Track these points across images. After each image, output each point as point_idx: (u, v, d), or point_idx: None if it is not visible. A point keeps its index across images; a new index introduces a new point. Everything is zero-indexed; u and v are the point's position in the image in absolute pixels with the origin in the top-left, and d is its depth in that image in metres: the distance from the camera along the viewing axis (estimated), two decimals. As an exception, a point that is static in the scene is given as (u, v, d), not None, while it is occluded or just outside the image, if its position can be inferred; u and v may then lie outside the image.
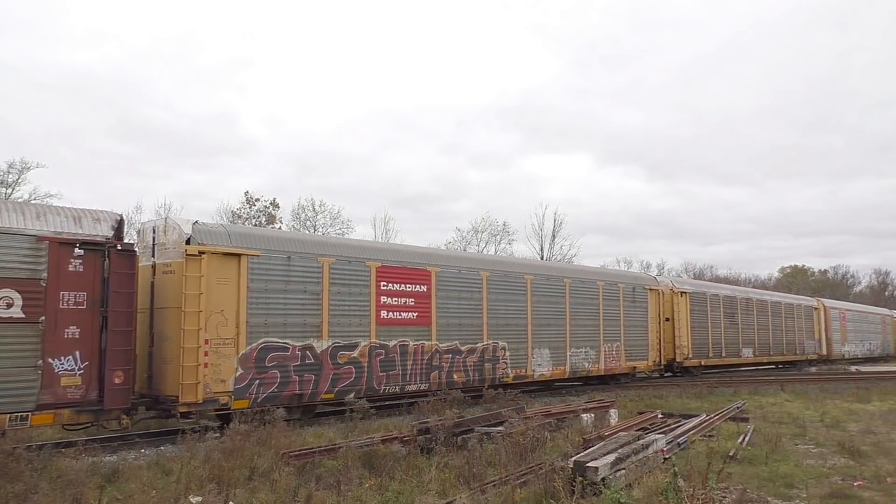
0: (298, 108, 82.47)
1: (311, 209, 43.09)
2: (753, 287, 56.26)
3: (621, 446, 7.91)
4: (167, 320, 11.54)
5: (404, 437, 9.75)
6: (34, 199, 32.39)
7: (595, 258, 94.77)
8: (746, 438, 10.71)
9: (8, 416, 9.19)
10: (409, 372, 15.07)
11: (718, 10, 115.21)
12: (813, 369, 31.67)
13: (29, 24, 61.93)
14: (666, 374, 24.88)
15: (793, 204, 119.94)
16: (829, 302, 41.05)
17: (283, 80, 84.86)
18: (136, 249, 11.31)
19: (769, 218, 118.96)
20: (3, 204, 10.10)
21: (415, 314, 15.40)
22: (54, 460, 8.00)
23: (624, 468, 7.32)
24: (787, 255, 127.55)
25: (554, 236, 48.41)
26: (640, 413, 13.08)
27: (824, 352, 37.15)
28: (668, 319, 24.49)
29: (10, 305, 9.41)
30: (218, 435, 9.31)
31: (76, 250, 10.11)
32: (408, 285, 15.31)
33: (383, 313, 14.68)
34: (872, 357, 44.70)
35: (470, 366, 16.57)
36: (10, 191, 33.70)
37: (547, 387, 20.13)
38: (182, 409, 11.14)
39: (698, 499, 5.96)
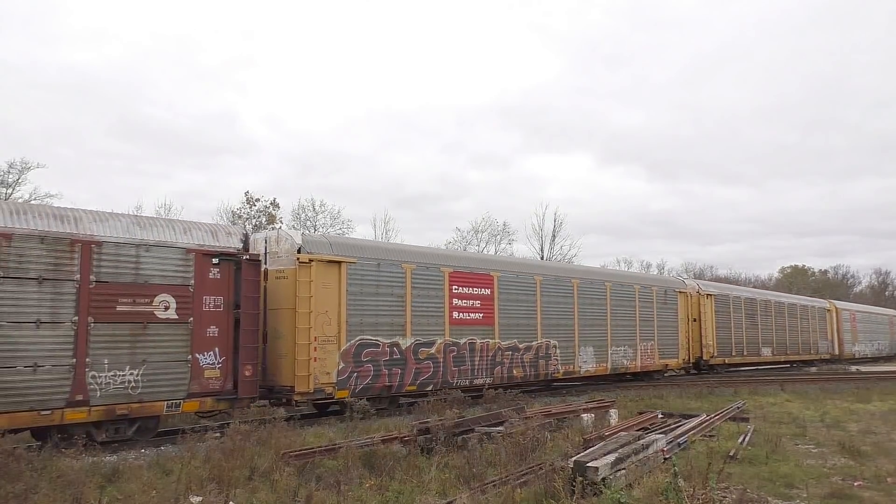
0: (299, 108, 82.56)
1: (312, 209, 43.14)
2: (754, 287, 56.38)
3: (621, 446, 7.90)
4: (280, 320, 13.19)
5: (404, 437, 9.75)
6: (34, 199, 32.38)
7: (595, 258, 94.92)
8: (746, 438, 10.70)
9: (164, 402, 10.96)
10: (476, 367, 16.73)
11: (720, 10, 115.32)
12: (813, 369, 31.84)
13: (29, 23, 62.00)
14: (692, 372, 26.33)
15: (793, 204, 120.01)
16: (840, 304, 42.39)
17: (283, 80, 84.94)
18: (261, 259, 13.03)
19: (770, 218, 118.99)
20: (158, 220, 11.92)
21: (480, 315, 17.10)
22: (54, 460, 8.00)
23: (624, 468, 7.32)
24: (787, 255, 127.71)
25: (554, 236, 48.46)
26: (641, 413, 13.08)
27: (836, 351, 38.70)
28: (695, 320, 25.96)
29: (167, 308, 11.14)
30: (218, 435, 9.32)
31: (215, 260, 11.80)
32: (474, 288, 17.04)
33: (455, 314, 16.38)
34: (881, 356, 45.68)
35: (527, 362, 18.24)
36: (10, 191, 33.70)
37: (591, 382, 21.89)
38: (297, 398, 12.91)
39: (698, 499, 5.96)
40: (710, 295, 27.21)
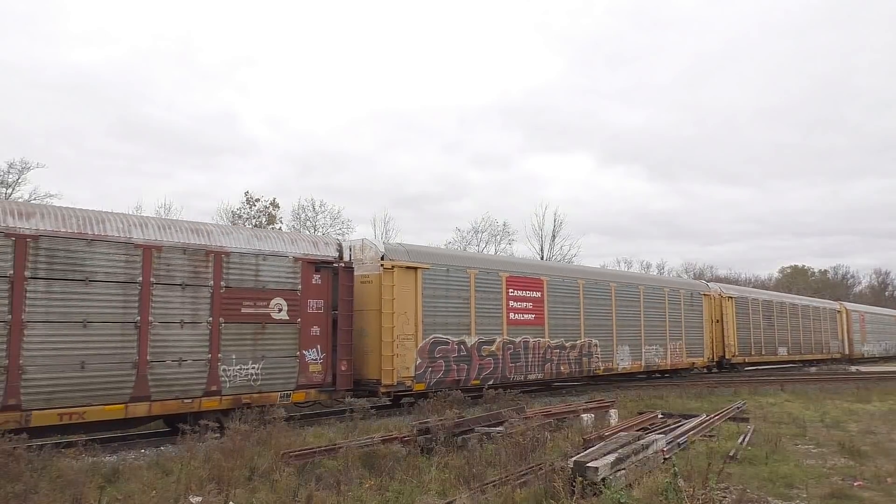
0: (300, 108, 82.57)
1: (312, 209, 43.14)
2: (754, 287, 56.57)
3: (621, 446, 7.89)
4: (366, 320, 14.66)
5: (404, 437, 9.75)
6: (34, 199, 32.37)
7: (595, 258, 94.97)
8: (746, 438, 10.70)
9: (278, 393, 12.50)
10: (529, 363, 18.21)
11: (722, 10, 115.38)
12: (813, 369, 31.95)
13: (30, 23, 61.99)
14: (714, 370, 27.79)
15: (794, 204, 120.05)
16: (850, 305, 44.01)
17: (284, 80, 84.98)
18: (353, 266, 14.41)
19: (771, 218, 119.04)
20: (270, 233, 13.64)
21: (532, 316, 18.58)
22: (54, 460, 7.99)
23: (624, 468, 7.31)
24: (788, 255, 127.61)
25: (554, 236, 48.47)
26: (641, 413, 13.07)
27: (847, 351, 40.28)
28: (717, 321, 27.58)
29: (280, 310, 12.64)
30: (218, 435, 9.32)
31: (317, 268, 13.29)
32: (527, 291, 18.51)
33: (511, 315, 17.86)
34: (889, 356, 46.81)
35: (572, 359, 19.78)
36: (10, 191, 33.70)
37: (628, 378, 23.27)
38: (383, 390, 14.36)
39: (698, 499, 5.96)
40: (731, 298, 28.70)
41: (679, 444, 9.60)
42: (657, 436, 9.15)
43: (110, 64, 66.37)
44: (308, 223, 42.32)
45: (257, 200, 40.47)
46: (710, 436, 11.01)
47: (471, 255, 20.47)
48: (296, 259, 13.02)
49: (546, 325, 18.93)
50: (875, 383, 21.71)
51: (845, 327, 40.66)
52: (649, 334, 23.14)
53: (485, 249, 46.60)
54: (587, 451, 7.88)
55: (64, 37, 68.83)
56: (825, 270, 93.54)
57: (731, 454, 9.29)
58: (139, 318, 10.86)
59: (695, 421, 11.77)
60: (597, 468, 6.84)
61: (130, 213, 14.82)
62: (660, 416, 12.82)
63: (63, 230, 10.38)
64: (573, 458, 7.24)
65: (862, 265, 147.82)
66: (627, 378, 23.13)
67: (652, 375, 24.49)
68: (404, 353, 14.83)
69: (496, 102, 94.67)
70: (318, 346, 13.21)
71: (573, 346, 19.81)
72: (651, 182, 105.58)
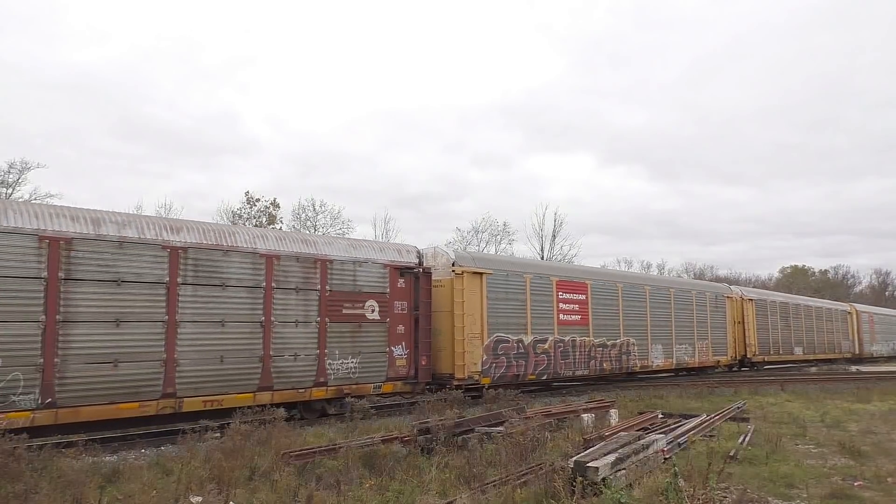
0: (301, 108, 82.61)
1: (312, 209, 43.19)
2: (754, 287, 56.73)
3: (622, 446, 7.89)
4: (439, 320, 16.27)
5: (404, 437, 9.74)
6: (34, 199, 32.37)
7: (596, 258, 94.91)
8: (747, 438, 10.70)
9: (371, 385, 14.10)
10: (577, 361, 19.76)
11: (724, 10, 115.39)
12: (813, 369, 32.04)
13: (30, 23, 61.99)
14: (734, 369, 29.39)
15: (795, 204, 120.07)
16: (860, 306, 45.50)
17: (285, 80, 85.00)
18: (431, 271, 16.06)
19: (771, 218, 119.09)
20: (363, 242, 15.29)
21: (579, 317, 20.13)
22: (54, 460, 8.00)
23: (624, 468, 7.31)
24: (789, 255, 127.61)
25: (554, 236, 48.52)
26: (641, 413, 13.07)
27: (857, 351, 41.82)
28: (739, 322, 29.12)
29: (373, 311, 14.27)
30: (218, 435, 9.32)
31: (401, 273, 14.90)
32: (574, 294, 20.10)
33: (561, 316, 19.41)
34: (895, 356, 48.20)
35: (613, 357, 21.18)
36: (10, 191, 33.72)
37: (659, 375, 24.74)
38: (456, 383, 15.86)
39: (699, 499, 5.96)
40: (752, 300, 30.28)
41: (679, 444, 9.60)
42: (657, 436, 9.15)
43: (111, 64, 66.46)
44: (308, 223, 42.38)
45: (257, 200, 40.58)
46: (711, 436, 11.01)
47: (526, 261, 22.68)
48: (384, 265, 14.69)
49: (590, 325, 20.47)
50: (875, 383, 21.71)
51: (855, 328, 42.15)
52: (679, 334, 24.62)
53: (485, 249, 46.63)
54: (587, 451, 7.88)
55: (65, 36, 68.91)
56: (825, 270, 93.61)
57: (731, 454, 9.28)
58: (263, 318, 12.52)
59: (695, 421, 11.77)
60: (597, 468, 6.83)
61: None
62: (660, 416, 12.82)
63: (204, 242, 11.96)
64: (573, 458, 7.24)
65: (862, 265, 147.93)
66: (658, 375, 24.69)
67: (678, 374, 25.79)
68: (472, 350, 16.43)
69: (497, 102, 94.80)
70: (403, 343, 14.87)
71: (614, 345, 21.28)
72: (652, 182, 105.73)
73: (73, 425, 10.20)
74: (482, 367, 16.54)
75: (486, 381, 16.57)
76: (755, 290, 35.92)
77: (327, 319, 13.45)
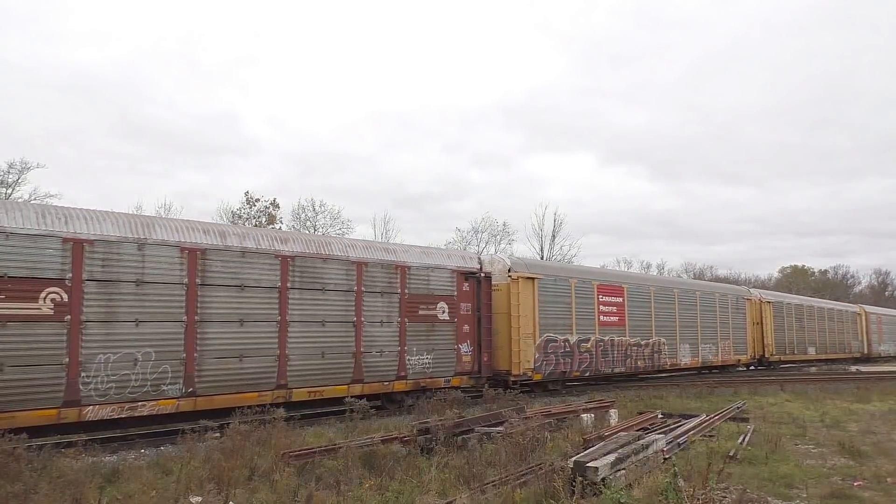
0: (301, 108, 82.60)
1: (312, 209, 43.20)
2: (754, 286, 56.85)
3: (621, 446, 7.89)
4: (497, 321, 17.70)
5: (404, 437, 9.74)
6: (34, 199, 32.36)
7: (596, 258, 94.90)
8: (746, 438, 10.70)
9: (443, 378, 15.71)
10: (615, 359, 21.29)
11: (726, 9, 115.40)
12: (813, 369, 32.12)
13: (31, 22, 61.98)
14: (751, 367, 30.88)
15: (796, 204, 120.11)
16: (868, 308, 47.32)
17: (285, 80, 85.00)
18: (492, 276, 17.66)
19: (772, 218, 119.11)
20: (433, 250, 17.10)
21: (616, 318, 21.61)
22: (54, 460, 8.00)
23: (624, 468, 7.31)
24: (789, 255, 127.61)
25: (554, 236, 48.54)
26: (640, 413, 13.06)
27: (866, 351, 43.56)
28: (757, 323, 30.68)
29: (444, 312, 15.88)
30: (218, 435, 9.32)
31: (466, 277, 16.52)
32: (612, 297, 21.59)
33: (601, 317, 20.92)
34: None
35: (646, 356, 22.77)
36: (10, 191, 33.69)
37: (686, 372, 26.37)
38: (512, 379, 17.44)
39: (698, 499, 5.96)
40: (769, 302, 31.99)
41: (679, 444, 9.60)
42: (657, 436, 9.15)
43: (111, 63, 66.44)
44: (308, 223, 42.39)
45: (257, 200, 40.59)
46: (710, 436, 11.01)
47: (571, 266, 24.97)
48: (452, 271, 16.30)
49: (627, 325, 22.01)
50: (875, 383, 21.71)
51: (864, 328, 43.86)
52: (704, 334, 26.24)
53: (484, 249, 46.68)
54: (587, 451, 7.88)
55: (65, 36, 68.91)
56: (825, 270, 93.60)
57: (731, 454, 9.28)
58: (355, 318, 14.07)
59: (695, 421, 11.77)
60: (597, 468, 6.83)
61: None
62: (660, 416, 12.82)
63: (307, 251, 13.47)
64: (573, 458, 7.24)
65: (862, 265, 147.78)
66: (685, 373, 26.12)
67: (701, 372, 27.24)
68: (526, 348, 17.92)
69: (498, 102, 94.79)
70: (468, 341, 16.45)
71: (647, 344, 22.88)
72: (653, 182, 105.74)
73: (204, 412, 11.37)
74: (534, 364, 18.09)
75: (537, 377, 18.21)
76: (772, 292, 37.32)
77: (406, 319, 15.05)
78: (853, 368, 32.17)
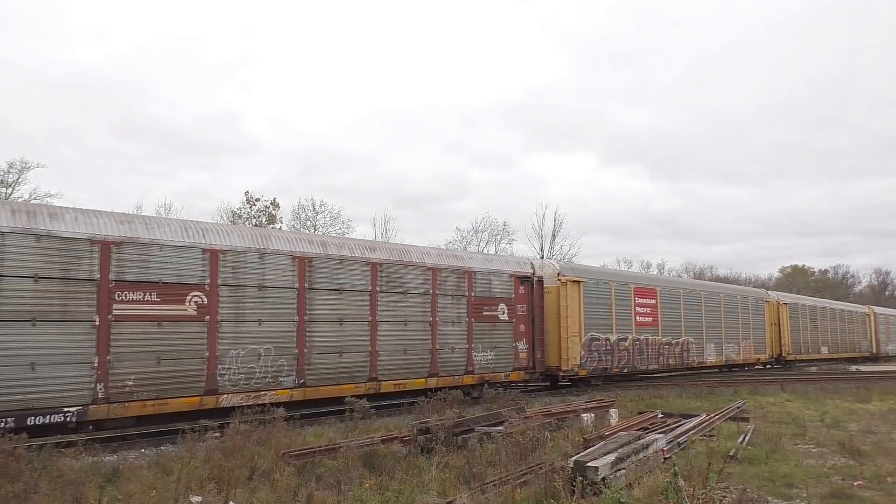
0: (302, 108, 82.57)
1: (312, 209, 43.20)
2: (754, 286, 56.95)
3: (621, 446, 7.89)
4: (547, 321, 19.21)
5: (404, 436, 9.74)
6: (34, 199, 32.36)
7: (596, 258, 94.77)
8: (746, 438, 10.69)
9: (503, 373, 17.29)
10: (649, 357, 22.94)
11: (727, 9, 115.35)
12: (813, 369, 32.16)
13: (31, 22, 61.97)
14: (768, 366, 32.15)
15: (797, 203, 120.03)
16: (877, 309, 48.99)
17: (286, 80, 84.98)
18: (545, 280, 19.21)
19: (773, 218, 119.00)
20: (494, 257, 19.68)
21: (650, 319, 23.28)
22: (54, 460, 7.99)
23: (624, 468, 7.31)
24: (789, 254, 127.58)
25: (554, 236, 48.56)
26: (641, 413, 13.07)
27: (874, 350, 44.96)
28: (774, 324, 32.35)
29: (503, 313, 17.42)
30: (218, 434, 9.31)
31: (521, 281, 18.04)
32: (647, 299, 23.23)
33: (637, 318, 22.57)
34: None
35: (676, 354, 24.43)
36: (9, 191, 33.68)
37: (709, 370, 27.60)
38: (562, 374, 19.44)
39: (698, 498, 5.96)
40: (786, 304, 33.71)
41: (679, 444, 9.60)
42: (657, 435, 9.15)
43: (112, 63, 66.44)
44: (308, 223, 42.39)
45: (257, 200, 40.61)
46: (710, 435, 11.00)
47: (611, 271, 26.83)
48: (510, 275, 17.84)
49: (659, 326, 23.64)
50: (875, 383, 21.69)
51: (873, 329, 45.32)
52: (728, 334, 27.88)
53: (485, 249, 46.71)
54: (587, 450, 7.88)
55: (66, 35, 68.89)
56: (825, 270, 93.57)
57: (731, 454, 9.28)
58: (431, 318, 15.66)
59: (695, 421, 11.77)
60: (597, 468, 6.83)
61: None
62: (660, 415, 12.82)
63: (391, 258, 15.07)
64: (573, 458, 7.24)
65: (863, 265, 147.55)
66: (710, 371, 27.52)
67: (722, 370, 28.68)
68: (573, 346, 19.55)
69: (499, 102, 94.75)
70: (524, 339, 17.97)
71: (677, 343, 24.48)
72: (653, 182, 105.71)
73: (311, 401, 13.29)
74: (580, 360, 19.71)
75: (583, 372, 19.94)
76: (788, 294, 38.94)
77: (473, 319, 16.61)
78: (853, 368, 32.20)
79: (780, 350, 32.41)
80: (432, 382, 15.31)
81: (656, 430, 10.52)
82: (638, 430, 10.16)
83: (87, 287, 10.56)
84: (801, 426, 12.34)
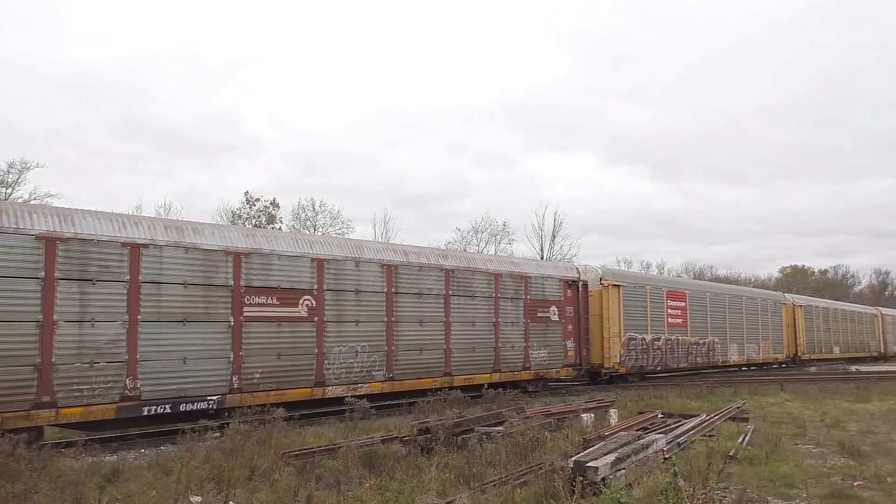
0: (302, 108, 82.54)
1: (311, 209, 43.20)
2: (754, 286, 57.05)
3: (621, 446, 7.89)
4: (591, 322, 20.64)
5: (404, 437, 9.74)
6: (34, 199, 32.35)
7: (596, 258, 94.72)
8: (746, 438, 10.69)
9: (554, 370, 18.90)
10: (679, 356, 24.69)
11: (728, 9, 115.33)
12: (813, 369, 32.18)
13: (32, 21, 61.96)
14: (782, 365, 33.21)
15: (797, 203, 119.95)
16: (885, 310, 51.28)
17: (287, 80, 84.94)
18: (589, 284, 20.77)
19: (773, 218, 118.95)
20: (545, 263, 20.54)
21: (680, 320, 25.05)
22: (54, 460, 7.99)
23: (624, 468, 7.31)
24: (790, 255, 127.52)
25: (554, 236, 48.54)
26: (641, 413, 13.06)
27: (882, 350, 46.64)
28: (790, 325, 33.97)
29: (554, 314, 19.01)
30: (218, 435, 9.31)
31: (569, 284, 19.56)
32: (677, 302, 25.07)
33: (669, 319, 24.33)
34: None
35: (703, 353, 26.19)
36: (9, 191, 33.68)
37: (732, 368, 29.26)
38: (604, 371, 21.12)
39: (698, 499, 5.96)
40: (801, 306, 35.47)
41: (679, 444, 9.60)
42: (657, 435, 9.15)
43: (112, 63, 66.42)
44: (308, 223, 42.39)
45: (257, 200, 40.61)
46: (710, 436, 11.00)
47: (646, 275, 29.96)
48: (559, 279, 19.41)
49: (688, 327, 25.39)
50: (875, 383, 21.70)
51: (881, 329, 47.16)
52: (749, 335, 29.63)
53: (484, 249, 46.70)
54: (587, 450, 7.87)
55: (66, 35, 68.88)
56: (825, 270, 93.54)
57: (731, 454, 9.27)
58: (495, 319, 17.27)
59: (695, 421, 11.77)
60: (597, 468, 6.83)
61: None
62: (660, 415, 12.81)
63: (461, 265, 16.74)
64: (573, 458, 7.24)
65: (863, 265, 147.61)
66: (733, 369, 29.20)
67: (742, 368, 30.29)
68: (614, 345, 21.21)
69: (500, 102, 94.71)
70: (572, 338, 19.50)
71: (703, 343, 26.21)
72: (654, 182, 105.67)
73: (398, 393, 14.72)
74: (620, 358, 21.35)
75: (622, 369, 21.52)
76: (803, 297, 40.79)
77: (528, 320, 18.14)
78: (853, 368, 32.19)
79: (796, 350, 34.01)
80: (496, 377, 16.83)
81: (656, 430, 10.52)
82: (638, 430, 10.16)
83: (223, 292, 12.10)
84: (801, 426, 12.34)
